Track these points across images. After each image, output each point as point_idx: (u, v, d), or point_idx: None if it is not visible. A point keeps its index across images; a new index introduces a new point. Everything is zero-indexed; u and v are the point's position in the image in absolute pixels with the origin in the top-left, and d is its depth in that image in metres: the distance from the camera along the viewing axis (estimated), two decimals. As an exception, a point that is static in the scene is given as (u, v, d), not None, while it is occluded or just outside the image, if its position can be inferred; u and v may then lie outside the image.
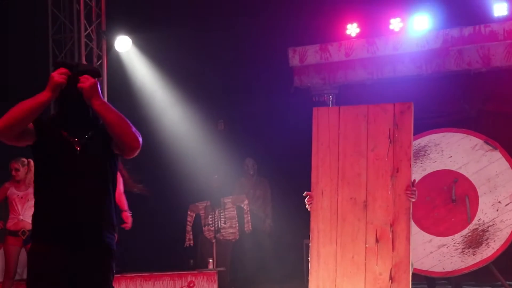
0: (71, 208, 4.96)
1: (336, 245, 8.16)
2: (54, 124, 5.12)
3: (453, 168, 12.20)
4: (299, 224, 14.26)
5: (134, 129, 5.02)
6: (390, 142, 8.11)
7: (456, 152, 12.25)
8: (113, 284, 11.13)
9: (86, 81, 4.87)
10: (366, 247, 8.03)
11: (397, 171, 8.06)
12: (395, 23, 14.23)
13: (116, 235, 5.27)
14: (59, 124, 5.09)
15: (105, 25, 14.45)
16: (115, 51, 14.81)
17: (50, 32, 14.37)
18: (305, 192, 8.34)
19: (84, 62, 13.75)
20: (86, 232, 4.97)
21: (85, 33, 14.19)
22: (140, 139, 5.05)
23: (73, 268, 4.94)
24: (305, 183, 14.52)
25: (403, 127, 8.06)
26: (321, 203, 8.34)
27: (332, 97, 15.01)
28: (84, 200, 4.98)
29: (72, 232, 4.97)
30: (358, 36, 14.62)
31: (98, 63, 14.29)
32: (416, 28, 14.13)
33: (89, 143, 5.09)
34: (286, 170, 15.13)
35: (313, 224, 8.33)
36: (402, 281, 7.83)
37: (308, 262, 14.18)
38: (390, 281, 7.89)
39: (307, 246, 14.14)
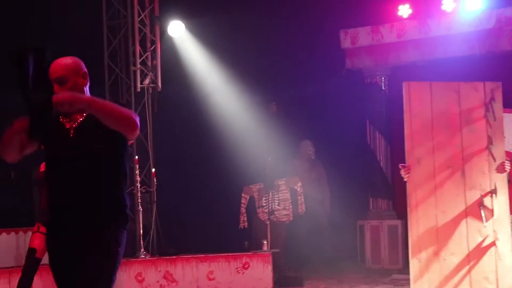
0: (67, 193, 4.85)
1: (436, 209, 8.61)
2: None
3: (507, 149, 12.03)
4: (352, 205, 14.50)
5: (126, 113, 4.83)
6: (485, 116, 8.65)
7: (510, 131, 11.59)
8: (171, 265, 11.48)
9: (57, 101, 4.56)
10: (466, 211, 8.60)
11: (492, 143, 8.67)
12: (447, 3, 13.99)
13: (123, 219, 4.97)
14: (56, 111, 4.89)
15: (158, 10, 14.35)
16: (168, 36, 14.75)
17: (105, 18, 14.40)
18: (400, 165, 8.73)
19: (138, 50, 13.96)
20: (85, 217, 4.80)
21: (139, 19, 14.14)
22: (136, 119, 4.82)
23: (72, 252, 4.79)
24: (357, 167, 14.56)
25: (496, 103, 8.69)
26: (418, 171, 8.74)
27: (384, 79, 14.96)
28: (79, 184, 4.81)
29: (69, 216, 4.86)
30: (410, 17, 14.44)
31: (151, 48, 14.31)
32: (469, 8, 13.85)
33: (83, 127, 4.91)
34: (338, 153, 14.99)
35: (410, 191, 8.70)
36: (503, 243, 8.47)
37: (361, 242, 14.37)
38: (493, 243, 8.52)
39: (361, 227, 14.34)
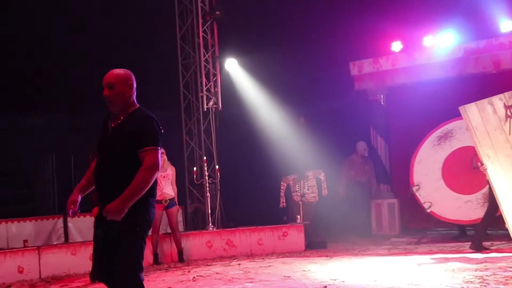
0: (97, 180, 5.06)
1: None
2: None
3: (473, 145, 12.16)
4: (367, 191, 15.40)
5: (147, 178, 4.92)
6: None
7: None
8: (231, 235, 12.54)
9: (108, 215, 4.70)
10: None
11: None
12: (428, 40, 14.84)
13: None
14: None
15: (218, 51, 15.16)
16: (226, 70, 15.55)
17: (180, 59, 15.35)
18: (479, 165, 10.39)
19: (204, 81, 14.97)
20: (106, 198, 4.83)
21: (204, 58, 14.97)
22: (155, 173, 5.00)
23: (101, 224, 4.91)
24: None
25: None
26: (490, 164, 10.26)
27: (383, 97, 15.71)
28: (105, 172, 4.97)
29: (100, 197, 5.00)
30: (401, 51, 15.23)
31: (214, 79, 15.00)
32: (444, 43, 14.65)
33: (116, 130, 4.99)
34: (350, 151, 15.60)
35: (493, 179, 10.26)
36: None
37: (368, 216, 15.16)
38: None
39: (377, 205, 15.32)
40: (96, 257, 5.03)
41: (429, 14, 15.04)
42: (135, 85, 5.08)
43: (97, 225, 5.03)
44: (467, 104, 10.83)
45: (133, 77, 5.10)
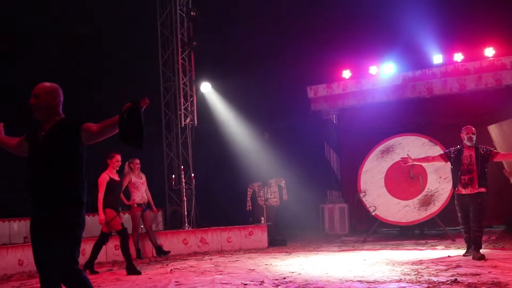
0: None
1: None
2: None
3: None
4: (316, 196, 15.54)
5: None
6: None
7: (412, 147, 12.61)
8: (204, 233, 12.39)
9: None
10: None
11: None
12: (373, 69, 15.04)
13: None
14: None
15: (194, 76, 15.10)
16: (201, 92, 15.50)
17: (161, 81, 15.35)
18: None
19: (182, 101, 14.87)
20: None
21: (182, 82, 14.98)
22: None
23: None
24: (319, 172, 15.67)
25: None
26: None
27: (335, 116, 15.74)
28: (44, 176, 4.57)
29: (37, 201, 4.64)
30: (350, 78, 15.40)
31: (191, 99, 14.95)
32: (386, 71, 14.85)
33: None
34: (307, 163, 15.77)
35: None
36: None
37: (322, 218, 15.03)
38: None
39: (322, 208, 15.23)
40: None
41: (374, 47, 15.13)
42: (60, 99, 4.79)
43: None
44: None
45: (59, 90, 4.80)
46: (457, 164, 9.04)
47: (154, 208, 11.83)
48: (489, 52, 13.86)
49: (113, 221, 9.43)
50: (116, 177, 9.79)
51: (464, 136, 9.13)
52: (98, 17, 15.12)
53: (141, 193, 11.45)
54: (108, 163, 9.64)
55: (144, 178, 11.59)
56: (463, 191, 8.97)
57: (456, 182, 9.07)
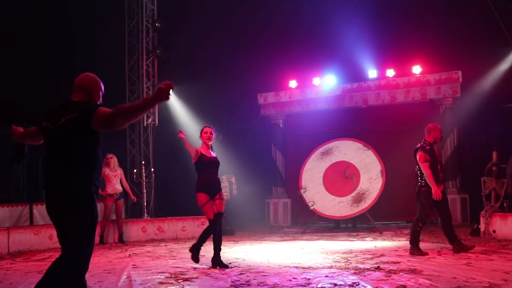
0: None
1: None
2: None
3: (347, 160, 13.03)
4: (263, 191, 15.59)
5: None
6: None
7: (348, 150, 13.05)
8: (161, 222, 12.36)
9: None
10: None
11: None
12: (316, 80, 15.20)
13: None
14: None
15: (157, 80, 15.04)
16: None
17: (127, 85, 15.23)
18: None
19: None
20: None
21: (146, 86, 14.99)
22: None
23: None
24: (266, 170, 15.76)
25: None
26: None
27: (282, 121, 15.86)
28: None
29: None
30: (296, 87, 15.57)
31: None
32: (328, 83, 15.02)
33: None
34: (257, 163, 15.78)
35: None
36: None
37: (267, 211, 15.12)
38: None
39: (267, 203, 15.32)
40: None
41: (318, 61, 15.28)
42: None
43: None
44: None
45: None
46: (434, 162, 8.26)
47: (132, 196, 12.04)
48: (416, 69, 14.22)
49: None
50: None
51: (438, 135, 8.45)
52: (72, 24, 14.88)
53: (113, 184, 11.58)
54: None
55: (119, 172, 11.78)
56: (440, 188, 8.24)
57: (435, 180, 8.18)
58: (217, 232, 7.69)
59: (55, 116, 4.14)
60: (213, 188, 7.93)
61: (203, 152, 8.02)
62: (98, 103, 4.32)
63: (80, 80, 4.32)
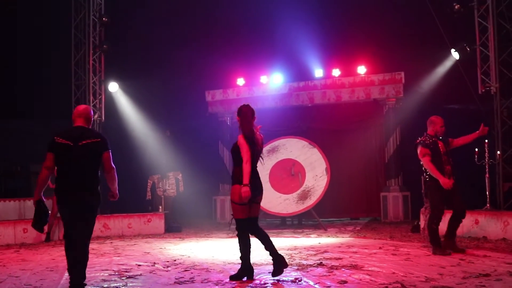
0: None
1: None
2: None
3: (292, 157, 13.08)
4: (210, 188, 15.60)
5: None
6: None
7: (294, 148, 13.11)
8: (107, 219, 12.19)
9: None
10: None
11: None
12: (263, 78, 15.28)
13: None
14: None
15: (104, 76, 14.88)
16: (109, 91, 15.21)
17: (73, 80, 14.83)
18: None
19: (91, 98, 14.50)
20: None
21: (92, 81, 14.70)
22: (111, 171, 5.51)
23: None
24: (214, 167, 15.74)
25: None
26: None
27: (229, 118, 15.83)
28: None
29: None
30: (244, 85, 15.64)
31: (99, 97, 14.75)
32: (275, 81, 15.12)
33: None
34: (205, 159, 15.64)
35: None
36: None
37: (214, 208, 15.11)
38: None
39: (215, 200, 15.31)
40: None
41: (265, 59, 15.32)
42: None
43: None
44: None
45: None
46: (437, 155, 7.85)
47: None
48: (361, 69, 14.44)
49: None
50: None
51: (438, 128, 8.06)
52: (17, 17, 14.54)
53: None
54: None
55: None
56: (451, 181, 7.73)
57: (441, 173, 7.73)
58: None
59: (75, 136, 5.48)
60: None
61: None
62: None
63: (83, 110, 5.73)
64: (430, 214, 7.95)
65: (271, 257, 6.23)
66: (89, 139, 5.48)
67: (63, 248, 9.88)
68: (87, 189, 5.37)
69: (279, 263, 6.17)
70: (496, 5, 11.89)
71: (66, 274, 6.73)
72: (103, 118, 14.96)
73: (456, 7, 12.07)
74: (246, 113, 6.41)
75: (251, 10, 15.60)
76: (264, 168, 13.12)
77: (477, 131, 8.16)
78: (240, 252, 6.26)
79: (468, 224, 9.93)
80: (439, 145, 7.92)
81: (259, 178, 6.34)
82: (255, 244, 8.84)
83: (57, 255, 8.95)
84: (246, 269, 6.15)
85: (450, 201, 7.80)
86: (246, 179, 6.03)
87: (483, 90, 11.97)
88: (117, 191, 5.76)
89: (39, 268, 7.41)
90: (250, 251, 6.20)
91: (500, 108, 11.93)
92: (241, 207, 6.09)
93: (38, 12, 14.75)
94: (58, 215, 11.24)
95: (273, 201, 12.87)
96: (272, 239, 8.88)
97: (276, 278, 6.12)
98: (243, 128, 6.29)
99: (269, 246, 6.25)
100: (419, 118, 13.80)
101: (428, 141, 7.96)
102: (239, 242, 6.19)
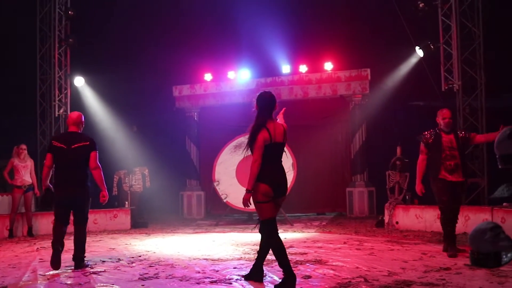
0: None
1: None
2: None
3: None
4: (177, 184, 15.52)
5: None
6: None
7: None
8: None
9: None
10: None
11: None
12: (231, 74, 15.27)
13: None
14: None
15: (70, 70, 14.65)
16: (75, 85, 14.95)
17: (38, 74, 14.62)
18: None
19: (57, 93, 14.31)
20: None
21: (58, 75, 14.49)
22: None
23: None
24: (181, 162, 15.59)
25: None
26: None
27: (196, 114, 15.84)
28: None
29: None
30: (211, 80, 15.59)
31: (65, 92, 14.51)
32: (242, 77, 15.16)
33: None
34: (172, 154, 15.65)
35: None
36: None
37: (181, 203, 15.04)
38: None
39: (181, 195, 15.25)
40: None
41: (233, 55, 15.34)
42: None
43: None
44: None
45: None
46: (438, 149, 7.46)
47: (37, 190, 11.49)
48: (328, 66, 14.55)
49: None
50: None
51: (440, 121, 7.60)
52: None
53: (21, 176, 11.25)
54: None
55: (29, 163, 11.42)
56: (450, 177, 7.37)
57: (438, 168, 7.41)
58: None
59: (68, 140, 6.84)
60: None
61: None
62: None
63: (77, 118, 7.10)
64: (440, 209, 7.59)
65: (261, 264, 5.71)
66: (80, 142, 6.77)
67: (26, 244, 9.87)
68: (78, 183, 6.70)
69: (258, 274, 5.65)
70: (459, 4, 12.07)
71: (29, 271, 6.69)
72: (69, 112, 14.46)
73: (420, 5, 12.20)
74: (265, 99, 5.48)
75: (217, 4, 15.60)
76: (231, 164, 13.34)
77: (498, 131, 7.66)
78: (276, 258, 5.33)
79: (431, 219, 10.12)
80: (443, 139, 7.48)
81: (284, 176, 5.43)
82: (222, 239, 8.83)
83: (20, 252, 8.83)
84: (289, 276, 5.17)
85: (451, 196, 7.39)
86: (250, 183, 5.32)
87: (446, 88, 12.14)
88: (106, 192, 6.96)
89: (1, 265, 7.31)
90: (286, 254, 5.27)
91: (463, 105, 12.13)
92: (265, 205, 5.27)
93: (1, 4, 14.40)
94: (20, 211, 11.34)
95: (240, 196, 12.20)
96: (238, 234, 8.91)
97: (242, 274, 6.10)
98: (258, 118, 5.45)
99: (265, 254, 5.71)
100: (384, 114, 14.20)
101: (428, 135, 7.61)
102: (273, 250, 5.27)
